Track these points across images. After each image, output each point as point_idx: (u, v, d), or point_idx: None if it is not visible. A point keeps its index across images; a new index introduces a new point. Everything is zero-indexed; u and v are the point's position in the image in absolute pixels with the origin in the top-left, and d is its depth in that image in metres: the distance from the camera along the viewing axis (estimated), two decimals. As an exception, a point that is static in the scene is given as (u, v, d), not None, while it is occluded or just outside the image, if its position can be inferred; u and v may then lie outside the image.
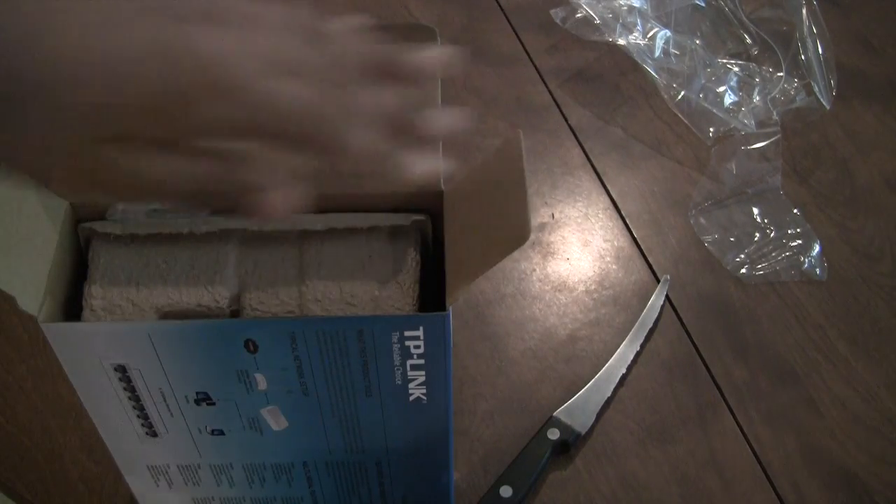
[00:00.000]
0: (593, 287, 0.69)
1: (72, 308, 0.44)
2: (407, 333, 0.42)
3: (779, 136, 0.76)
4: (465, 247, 0.41)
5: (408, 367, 0.43)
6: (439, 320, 0.41)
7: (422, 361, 0.43)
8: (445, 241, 0.44)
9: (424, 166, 0.34)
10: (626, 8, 0.79)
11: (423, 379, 0.44)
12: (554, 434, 0.59)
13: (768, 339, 0.66)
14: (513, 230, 0.37)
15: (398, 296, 0.44)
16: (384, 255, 0.44)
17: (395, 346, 0.42)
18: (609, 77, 0.83)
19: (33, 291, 0.40)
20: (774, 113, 0.78)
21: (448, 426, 0.47)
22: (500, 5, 0.88)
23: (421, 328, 0.41)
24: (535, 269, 0.70)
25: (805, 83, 0.80)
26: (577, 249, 0.71)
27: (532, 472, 0.58)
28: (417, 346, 0.42)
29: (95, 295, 0.43)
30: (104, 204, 0.45)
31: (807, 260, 0.70)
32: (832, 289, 0.69)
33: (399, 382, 0.44)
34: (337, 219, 0.45)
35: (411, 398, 0.45)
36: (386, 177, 0.34)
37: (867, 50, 0.86)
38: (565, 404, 0.61)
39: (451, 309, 0.41)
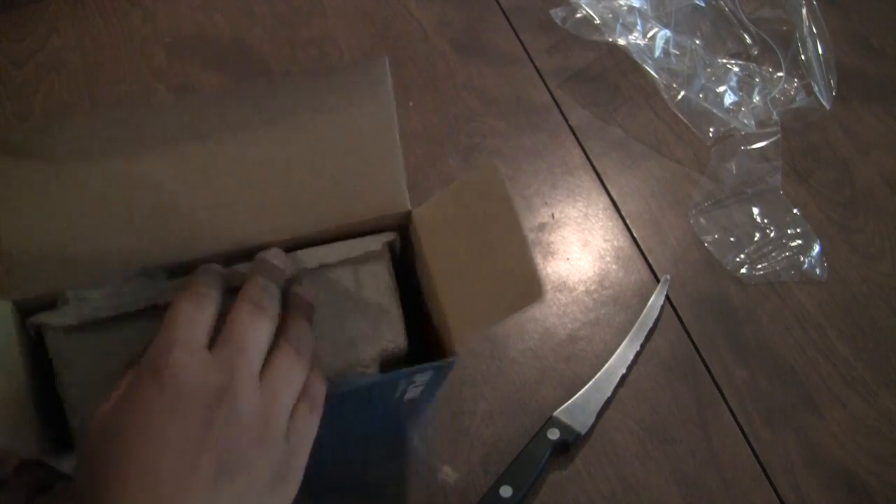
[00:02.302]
0: (593, 287, 0.69)
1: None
2: (416, 378, 0.42)
3: (779, 136, 0.76)
4: (466, 292, 0.41)
5: (408, 391, 0.44)
6: (449, 367, 0.42)
7: (422, 388, 0.44)
8: (431, 269, 0.43)
9: None
10: (626, 8, 0.79)
11: (419, 391, 0.45)
12: (554, 434, 0.59)
13: (768, 339, 0.66)
14: (524, 287, 0.37)
15: (387, 325, 0.43)
16: (362, 286, 0.44)
17: (402, 383, 0.42)
18: (609, 77, 0.83)
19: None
20: (774, 113, 0.78)
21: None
22: (500, 5, 0.88)
23: (430, 372, 0.42)
24: (535, 269, 0.70)
25: (805, 83, 0.80)
26: (577, 249, 0.71)
27: (532, 472, 0.57)
28: (422, 381, 0.43)
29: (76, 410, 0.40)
30: (52, 293, 0.40)
31: (807, 260, 0.70)
32: (832, 289, 0.69)
33: (396, 396, 0.45)
34: (307, 255, 0.43)
35: (405, 399, 0.46)
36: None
37: (867, 50, 0.86)
38: (565, 404, 0.61)
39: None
